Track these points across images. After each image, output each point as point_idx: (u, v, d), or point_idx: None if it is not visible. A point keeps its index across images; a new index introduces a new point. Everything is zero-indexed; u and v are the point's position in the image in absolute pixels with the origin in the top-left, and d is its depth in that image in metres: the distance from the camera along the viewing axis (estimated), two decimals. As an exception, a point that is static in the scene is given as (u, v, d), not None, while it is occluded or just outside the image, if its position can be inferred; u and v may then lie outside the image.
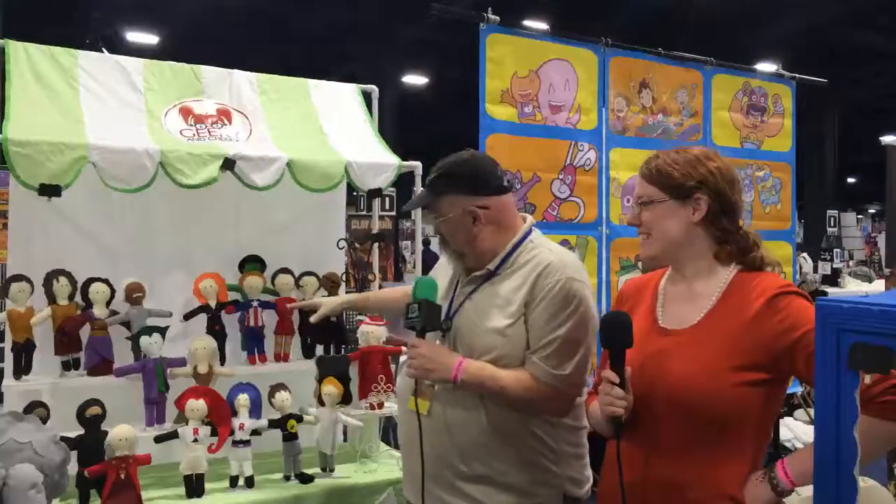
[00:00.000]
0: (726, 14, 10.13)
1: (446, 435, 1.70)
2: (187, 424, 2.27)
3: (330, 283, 2.80)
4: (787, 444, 4.07)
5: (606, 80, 3.26)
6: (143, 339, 2.38)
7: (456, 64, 6.83)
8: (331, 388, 2.45)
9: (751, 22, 10.44)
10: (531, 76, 3.05)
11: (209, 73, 2.86)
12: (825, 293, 7.18)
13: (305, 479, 2.41)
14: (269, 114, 2.85)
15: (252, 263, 2.76)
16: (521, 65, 3.03)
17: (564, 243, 3.11)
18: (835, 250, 12.70)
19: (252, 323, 2.66)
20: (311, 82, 3.07)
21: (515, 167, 3.00)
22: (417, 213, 3.18)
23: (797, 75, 3.94)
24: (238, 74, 2.91)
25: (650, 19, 9.55)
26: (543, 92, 3.08)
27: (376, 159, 2.81)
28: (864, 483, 2.13)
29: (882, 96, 15.61)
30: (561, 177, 3.13)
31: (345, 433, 2.87)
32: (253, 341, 2.68)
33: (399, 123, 13.15)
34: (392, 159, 2.84)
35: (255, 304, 2.67)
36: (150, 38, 12.18)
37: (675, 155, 1.54)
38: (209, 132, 2.66)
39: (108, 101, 2.60)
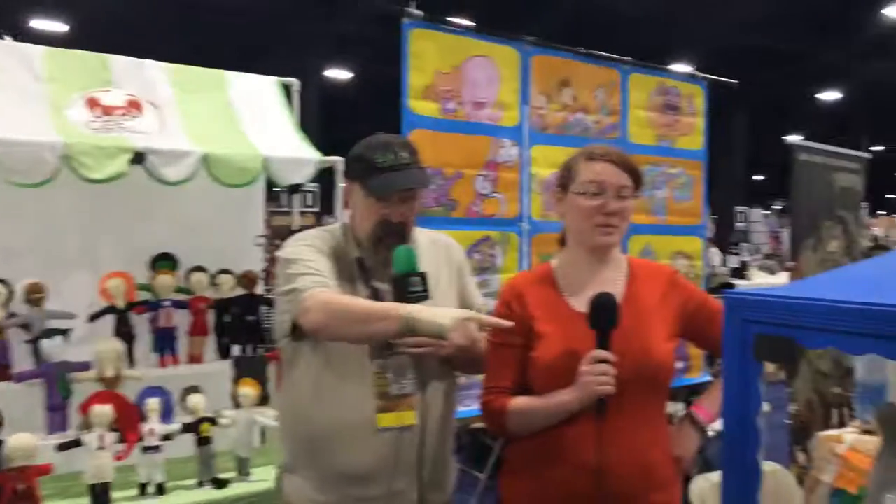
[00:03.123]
0: (644, 16, 10.44)
1: (443, 444, 1.70)
2: (92, 431, 2.16)
3: (247, 282, 2.73)
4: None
5: (528, 77, 3.29)
6: (44, 343, 2.26)
7: (380, 59, 6.79)
8: (247, 389, 2.39)
9: (668, 24, 10.80)
10: (454, 72, 3.05)
11: (118, 62, 2.73)
12: (733, 285, 7.50)
13: (220, 483, 2.33)
14: (183, 106, 2.74)
15: (164, 261, 2.67)
16: (444, 61, 3.02)
17: (486, 239, 3.13)
18: (743, 244, 13.32)
19: (163, 323, 2.57)
20: (228, 74, 2.97)
21: (438, 163, 2.99)
22: (339, 209, 3.13)
23: (709, 76, 4.09)
24: (150, 65, 2.79)
25: (572, 19, 9.75)
26: (466, 88, 3.08)
27: (296, 154, 2.75)
28: (769, 467, 2.23)
29: (788, 98, 16.43)
30: (483, 173, 3.14)
31: (263, 435, 2.80)
32: (164, 342, 2.59)
33: (323, 119, 12.97)
34: (312, 154, 2.78)
35: (166, 304, 2.58)
36: (58, 27, 11.58)
37: (629, 156, 1.63)
38: (118, 124, 2.54)
39: (6, 90, 2.44)
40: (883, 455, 1.02)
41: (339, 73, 15.42)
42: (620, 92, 3.65)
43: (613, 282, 1.60)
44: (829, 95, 16.13)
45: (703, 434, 1.59)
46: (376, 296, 1.63)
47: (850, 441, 1.49)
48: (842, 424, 3.21)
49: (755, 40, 11.89)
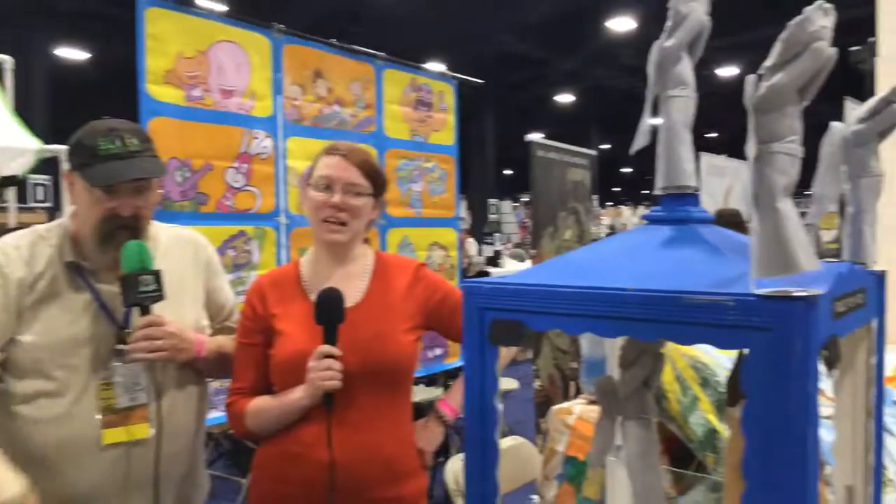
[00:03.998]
0: (402, 14, 10.71)
1: (188, 455, 1.58)
2: None
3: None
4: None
5: (280, 67, 3.20)
6: None
7: (120, 38, 6.18)
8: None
9: (424, 24, 11.19)
10: (199, 57, 2.87)
11: None
12: (488, 273, 8.03)
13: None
14: None
15: None
16: (187, 44, 2.82)
17: (241, 234, 2.99)
18: (496, 234, 14.31)
19: None
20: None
21: (185, 154, 2.80)
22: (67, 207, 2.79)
23: (458, 75, 4.29)
24: None
25: (328, 11, 9.70)
26: (213, 75, 2.91)
27: (9, 142, 2.40)
28: (514, 441, 2.40)
29: (531, 99, 17.91)
30: (236, 165, 3.00)
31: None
32: None
33: (53, 103, 11.56)
34: (30, 142, 2.45)
35: None
36: None
37: (369, 155, 1.64)
38: None
39: None
40: (602, 422, 1.12)
41: (72, 53, 13.79)
42: (375, 86, 3.69)
43: (356, 277, 1.61)
44: (565, 98, 17.87)
45: (447, 428, 1.67)
46: (99, 300, 1.47)
47: (579, 412, 1.64)
48: (578, 396, 3.55)
49: (503, 45, 12.78)
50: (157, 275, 1.47)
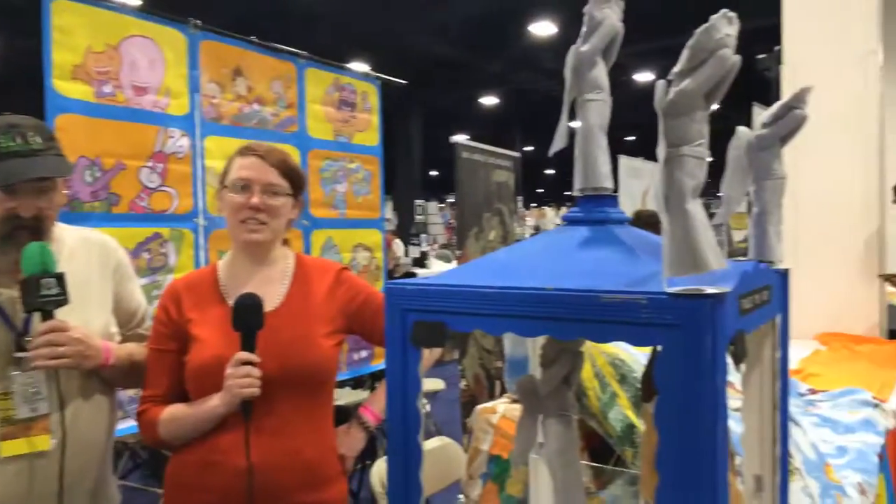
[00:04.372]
0: (325, 13, 10.58)
1: (97, 466, 1.52)
2: None
3: None
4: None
5: (197, 64, 3.11)
6: None
7: (24, 32, 5.87)
8: None
9: (346, 22, 11.09)
10: (110, 52, 2.75)
11: None
12: (415, 274, 8.03)
13: None
14: None
15: None
16: (96, 38, 2.70)
17: (157, 237, 2.89)
18: (422, 235, 14.35)
19: None
20: None
21: (95, 153, 2.68)
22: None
23: (381, 76, 4.27)
24: None
25: (249, 7, 9.49)
26: (125, 71, 2.80)
27: None
28: (440, 441, 2.41)
29: (457, 101, 18.03)
30: (150, 165, 2.89)
31: None
32: None
33: (-48, 97, 10.85)
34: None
35: None
36: None
37: (287, 155, 1.61)
38: None
39: None
40: (523, 421, 1.14)
41: (-27, 45, 13.01)
42: (297, 86, 3.63)
43: (276, 280, 1.58)
44: (490, 101, 18.08)
45: (370, 433, 1.66)
46: None
47: (502, 411, 1.66)
48: (503, 395, 3.59)
49: (429, 47, 12.81)
50: (60, 278, 1.40)
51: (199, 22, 3.11)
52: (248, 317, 1.43)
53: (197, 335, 1.50)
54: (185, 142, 3.03)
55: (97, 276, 1.58)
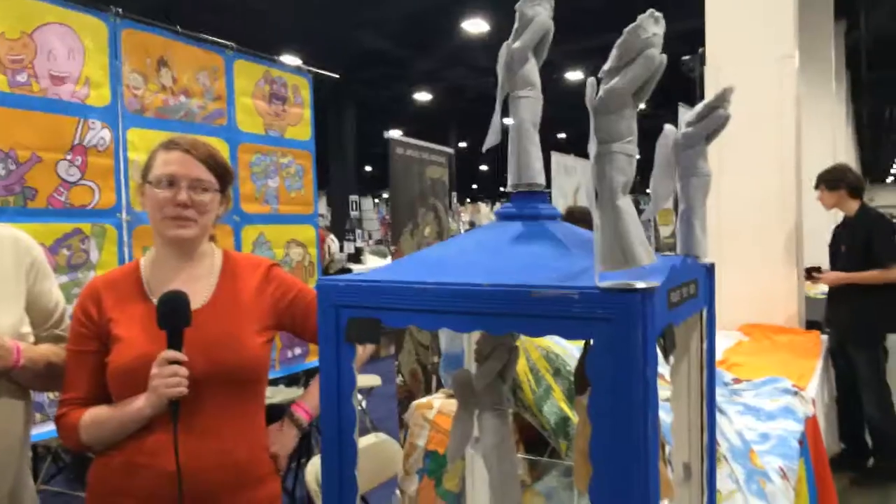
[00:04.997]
0: (256, 4, 10.35)
1: (13, 474, 1.47)
2: None
3: None
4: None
5: (119, 53, 2.98)
6: None
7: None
8: None
9: (278, 14, 10.88)
10: (24, 39, 2.61)
11: None
12: (350, 270, 7.95)
13: None
14: None
15: None
16: (9, 25, 2.56)
17: (77, 232, 2.77)
18: (357, 231, 14.24)
19: None
20: None
21: (9, 145, 2.54)
22: None
23: (313, 69, 4.21)
24: None
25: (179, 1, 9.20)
26: (41, 59, 2.66)
27: None
28: (377, 438, 2.39)
29: (391, 97, 17.95)
30: (69, 157, 2.76)
31: None
32: None
33: None
34: None
35: None
36: None
37: (213, 149, 1.56)
38: None
39: None
40: (459, 415, 1.14)
41: None
42: (226, 78, 3.54)
43: (203, 277, 1.54)
44: (424, 96, 18.07)
45: (302, 431, 1.64)
46: None
47: (438, 406, 1.65)
48: (438, 391, 3.60)
49: (362, 42, 12.70)
50: None
51: (119, 10, 2.99)
52: (174, 314, 1.39)
53: (119, 335, 1.44)
54: (106, 134, 2.91)
55: (10, 274, 1.50)
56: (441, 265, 1.01)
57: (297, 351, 3.90)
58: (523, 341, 1.58)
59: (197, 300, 1.49)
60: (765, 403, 2.40)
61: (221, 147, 3.45)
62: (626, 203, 0.71)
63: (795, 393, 2.53)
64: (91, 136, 2.84)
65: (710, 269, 1.16)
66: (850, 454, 4.31)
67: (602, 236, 0.78)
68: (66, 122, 2.75)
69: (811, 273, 4.23)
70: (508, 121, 0.92)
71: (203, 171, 1.49)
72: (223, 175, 1.55)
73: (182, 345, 1.39)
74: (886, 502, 3.94)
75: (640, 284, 0.78)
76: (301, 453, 3.88)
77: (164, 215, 1.47)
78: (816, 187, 4.30)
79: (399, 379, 4.40)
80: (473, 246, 1.05)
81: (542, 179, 0.93)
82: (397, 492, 1.74)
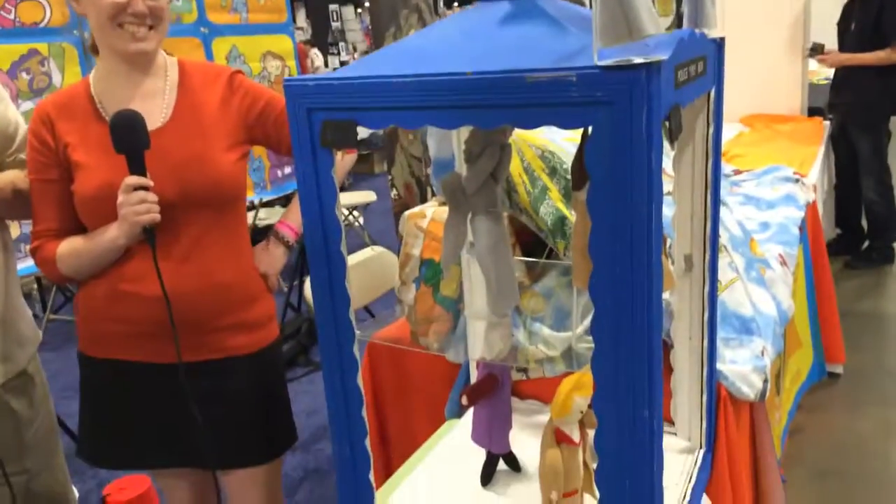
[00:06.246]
0: None
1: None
2: None
3: None
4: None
5: None
6: None
7: None
8: None
9: None
10: None
11: None
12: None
13: None
14: None
15: None
16: None
17: (34, 53, 2.57)
18: (341, 44, 13.60)
19: None
20: None
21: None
22: None
23: None
24: None
25: None
26: None
27: None
28: (374, 251, 2.39)
29: None
30: (12, -30, 2.50)
31: None
32: None
33: None
34: None
35: None
36: None
37: None
38: None
39: None
40: (451, 220, 1.08)
41: None
42: None
43: (159, 93, 1.41)
44: None
45: (289, 249, 1.58)
46: None
47: (431, 214, 1.60)
48: (431, 199, 3.58)
49: None
50: None
51: None
52: (129, 136, 1.28)
53: (79, 161, 1.35)
54: (50, -60, 2.61)
55: None
56: (421, 55, 0.90)
57: (288, 170, 3.82)
58: (516, 140, 1.49)
59: (156, 118, 1.38)
60: (766, 192, 2.37)
61: (179, -50, 3.12)
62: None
63: (797, 180, 2.49)
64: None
65: (720, 45, 1.04)
66: (844, 239, 4.36)
67: (602, 6, 0.67)
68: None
69: (815, 50, 3.97)
70: None
71: None
72: None
73: (145, 168, 1.30)
74: (879, 283, 4.05)
75: (644, 60, 0.68)
76: (303, 270, 3.94)
77: (118, 23, 1.31)
78: None
79: (394, 193, 4.37)
80: (457, 32, 0.94)
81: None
82: (398, 304, 1.74)
